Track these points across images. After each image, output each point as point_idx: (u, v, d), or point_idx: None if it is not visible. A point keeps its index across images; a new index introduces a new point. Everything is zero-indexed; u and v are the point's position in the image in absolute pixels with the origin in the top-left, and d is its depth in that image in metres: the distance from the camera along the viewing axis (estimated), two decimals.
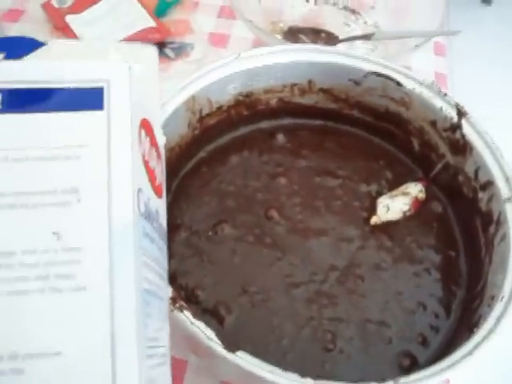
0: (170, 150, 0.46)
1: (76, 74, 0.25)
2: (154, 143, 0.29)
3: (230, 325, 0.42)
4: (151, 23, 0.71)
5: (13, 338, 0.22)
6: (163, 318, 0.29)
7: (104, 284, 0.22)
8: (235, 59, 0.48)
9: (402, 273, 0.45)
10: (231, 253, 0.45)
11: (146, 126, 0.27)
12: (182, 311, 0.35)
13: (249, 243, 0.46)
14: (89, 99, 0.25)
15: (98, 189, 0.24)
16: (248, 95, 0.51)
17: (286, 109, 0.53)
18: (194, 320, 0.35)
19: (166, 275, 0.31)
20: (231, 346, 0.34)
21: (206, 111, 0.49)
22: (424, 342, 0.42)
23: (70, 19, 0.71)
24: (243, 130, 0.53)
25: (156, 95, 0.31)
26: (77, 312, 0.22)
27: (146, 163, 0.27)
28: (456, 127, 0.46)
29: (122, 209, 0.24)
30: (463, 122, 0.46)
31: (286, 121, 0.54)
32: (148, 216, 0.26)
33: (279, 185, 0.50)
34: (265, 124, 0.54)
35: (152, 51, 0.31)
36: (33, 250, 0.22)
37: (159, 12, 0.74)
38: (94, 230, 0.23)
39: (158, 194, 0.29)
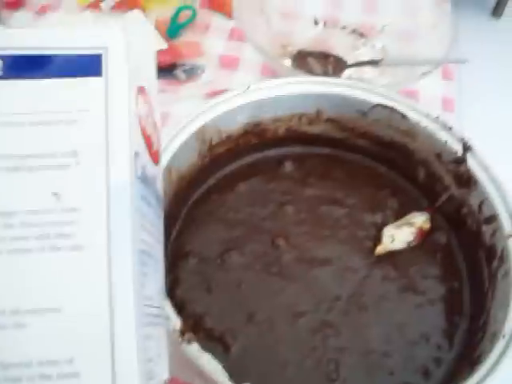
0: (180, 178, 0.47)
1: (75, 42, 0.26)
2: (151, 111, 0.30)
3: (235, 352, 0.43)
4: (163, 45, 0.72)
5: (15, 294, 0.23)
6: (159, 279, 0.30)
7: (101, 243, 0.23)
8: (244, 91, 0.49)
9: (405, 303, 0.46)
10: (238, 281, 0.46)
11: (142, 93, 0.28)
12: (190, 343, 0.36)
13: (256, 271, 0.47)
14: (87, 66, 0.26)
15: (96, 152, 0.25)
16: (256, 125, 0.52)
17: (294, 137, 0.54)
18: (201, 353, 0.36)
19: (162, 239, 0.32)
20: (237, 379, 0.35)
21: (215, 141, 0.50)
22: (426, 374, 0.43)
23: None
24: (251, 158, 0.54)
25: (152, 66, 0.32)
26: (75, 270, 0.23)
27: (142, 129, 0.28)
28: (461, 161, 0.47)
29: (120, 171, 0.24)
30: (468, 155, 0.47)
31: (294, 149, 0.55)
32: (145, 180, 0.27)
33: (286, 213, 0.51)
34: (273, 152, 0.55)
35: (143, 19, 0.31)
36: (33, 210, 0.23)
37: (171, 34, 0.75)
38: (92, 192, 0.24)
39: (155, 160, 0.30)
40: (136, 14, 0.32)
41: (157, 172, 0.31)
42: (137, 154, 0.26)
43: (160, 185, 0.32)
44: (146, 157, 0.28)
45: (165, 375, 0.30)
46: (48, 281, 0.23)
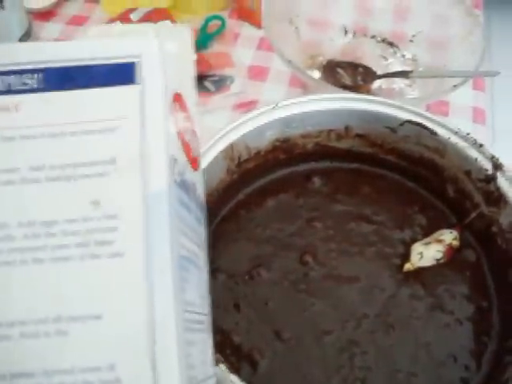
0: (208, 195, 0.47)
1: (110, 51, 0.27)
2: (188, 118, 0.30)
3: (262, 369, 0.43)
4: (193, 56, 0.73)
5: (56, 302, 0.23)
6: (203, 286, 0.30)
7: (140, 249, 0.24)
8: (272, 108, 0.49)
9: (433, 322, 0.46)
10: (266, 297, 0.47)
11: (179, 100, 0.28)
12: (217, 365, 0.36)
13: (283, 288, 0.47)
14: (123, 74, 0.26)
15: (133, 159, 0.25)
16: (285, 140, 0.52)
17: (322, 152, 0.54)
18: (228, 374, 0.36)
19: (204, 246, 0.32)
20: None
21: (244, 157, 0.50)
22: None
23: None
24: (280, 173, 0.54)
25: (190, 73, 0.32)
26: (115, 277, 0.23)
27: (180, 135, 0.28)
28: (491, 179, 0.47)
29: (157, 177, 0.25)
30: (498, 174, 0.46)
31: (322, 164, 0.55)
32: (183, 185, 0.27)
33: (314, 229, 0.51)
34: (301, 168, 0.55)
35: (185, 30, 0.32)
36: (73, 218, 0.24)
37: (201, 44, 0.76)
38: (130, 198, 0.24)
39: (194, 166, 0.30)
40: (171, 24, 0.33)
41: (197, 178, 0.31)
42: (174, 160, 0.26)
43: (201, 191, 0.33)
44: (184, 163, 0.28)
45: (209, 382, 0.30)
46: (89, 288, 0.23)
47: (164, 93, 0.26)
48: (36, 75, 0.26)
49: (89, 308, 0.23)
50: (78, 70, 0.26)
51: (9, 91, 0.26)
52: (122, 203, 0.24)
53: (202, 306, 0.29)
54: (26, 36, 0.61)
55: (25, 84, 0.26)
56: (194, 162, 0.30)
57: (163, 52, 0.27)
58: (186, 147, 0.29)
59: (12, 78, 0.26)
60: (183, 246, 0.26)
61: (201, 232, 0.32)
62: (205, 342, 0.29)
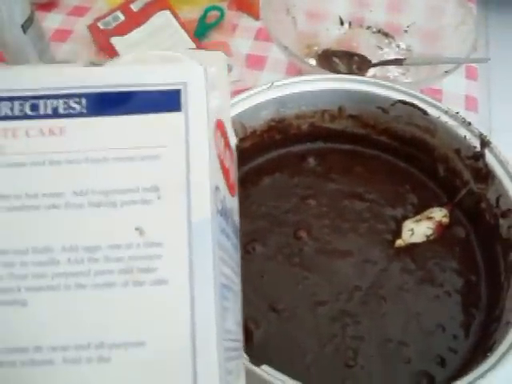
0: None
1: (154, 78, 0.27)
2: (227, 144, 0.30)
3: (257, 339, 0.45)
4: (191, 45, 0.74)
5: (99, 328, 0.23)
6: (238, 312, 0.30)
7: (184, 278, 0.23)
8: (268, 88, 0.50)
9: (423, 295, 0.47)
10: (261, 271, 0.48)
11: (220, 126, 0.28)
12: None
13: (278, 262, 0.49)
14: (167, 101, 0.26)
15: (177, 187, 0.25)
16: (280, 121, 0.54)
17: (317, 133, 0.56)
18: None
19: (239, 271, 0.32)
20: (256, 361, 0.37)
21: (240, 136, 0.51)
22: (442, 363, 0.44)
23: (115, 41, 0.74)
24: (275, 153, 0.56)
25: (227, 97, 0.32)
26: (158, 304, 0.23)
27: (221, 163, 0.28)
28: (479, 156, 0.48)
29: (201, 206, 0.24)
30: (486, 151, 0.48)
31: (317, 145, 0.57)
32: (224, 213, 0.27)
33: (309, 206, 0.52)
34: (296, 148, 0.56)
35: (220, 55, 0.32)
36: (117, 244, 0.24)
37: (199, 34, 0.77)
38: (174, 226, 0.24)
39: (232, 192, 0.31)
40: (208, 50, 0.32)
41: (234, 204, 0.31)
42: (217, 189, 0.26)
43: (237, 216, 0.33)
44: (224, 190, 0.28)
45: None
46: (132, 315, 0.23)
47: (208, 121, 0.26)
48: (82, 100, 0.26)
49: (132, 335, 0.23)
50: (123, 95, 0.26)
51: (55, 115, 0.26)
52: (166, 231, 0.24)
53: (237, 333, 0.29)
54: (29, 21, 0.62)
55: (71, 108, 0.26)
56: (232, 188, 0.31)
57: (207, 79, 0.27)
58: (226, 174, 0.29)
59: (58, 102, 0.26)
60: (223, 275, 0.26)
61: (237, 258, 0.32)
62: (239, 369, 0.29)
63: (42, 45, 0.67)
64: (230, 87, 0.62)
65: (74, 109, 0.26)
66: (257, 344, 0.44)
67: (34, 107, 0.26)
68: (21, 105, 0.26)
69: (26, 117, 0.26)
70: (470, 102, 0.72)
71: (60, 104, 0.26)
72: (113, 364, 0.23)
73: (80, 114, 0.26)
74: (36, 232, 0.24)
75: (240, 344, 0.30)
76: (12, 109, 0.26)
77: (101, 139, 0.26)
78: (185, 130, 0.26)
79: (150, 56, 0.31)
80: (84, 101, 0.26)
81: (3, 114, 0.26)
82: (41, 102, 0.26)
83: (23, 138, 0.26)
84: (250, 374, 0.36)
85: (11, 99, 0.26)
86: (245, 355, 0.37)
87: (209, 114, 0.26)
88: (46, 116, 0.26)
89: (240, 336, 0.31)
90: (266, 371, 0.36)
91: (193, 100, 0.26)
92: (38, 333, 0.23)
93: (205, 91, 0.27)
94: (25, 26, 0.62)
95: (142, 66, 0.29)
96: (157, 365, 0.23)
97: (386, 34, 0.79)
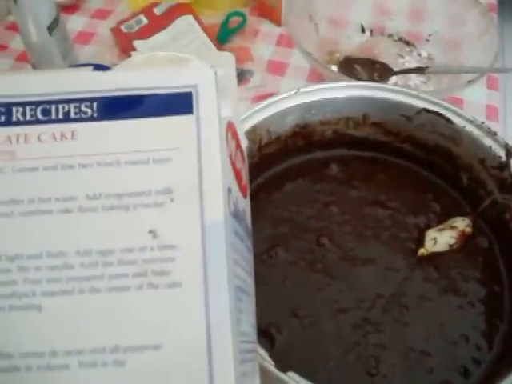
0: None
1: (165, 81, 0.27)
2: (238, 145, 0.30)
3: (279, 345, 0.44)
4: (213, 50, 0.75)
5: (114, 331, 0.23)
6: (252, 314, 0.30)
7: (198, 280, 0.23)
8: (294, 94, 0.50)
9: (446, 304, 0.47)
10: (283, 276, 0.48)
11: (231, 128, 0.29)
12: None
13: (300, 268, 0.49)
14: (179, 104, 0.26)
15: (190, 189, 0.25)
16: (305, 127, 0.54)
17: (340, 140, 0.56)
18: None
19: (253, 273, 0.32)
20: (283, 367, 0.37)
21: (265, 141, 0.52)
22: (465, 374, 0.44)
23: (138, 44, 0.75)
24: (299, 159, 0.56)
25: (236, 99, 0.32)
26: (173, 307, 0.23)
27: (233, 164, 0.28)
28: (504, 166, 0.48)
29: (214, 208, 0.24)
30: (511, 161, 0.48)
31: (340, 152, 0.57)
32: (237, 215, 0.27)
33: (331, 213, 0.52)
34: (319, 154, 0.56)
35: (229, 56, 0.32)
36: (130, 248, 0.24)
37: (221, 39, 0.78)
38: (187, 229, 0.24)
39: (244, 194, 0.31)
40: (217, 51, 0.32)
41: (246, 205, 0.31)
42: (229, 190, 0.26)
43: (249, 218, 0.33)
44: (236, 192, 0.28)
45: None
46: (147, 318, 0.23)
47: (219, 122, 0.26)
48: (93, 104, 0.26)
49: (147, 338, 0.23)
50: (134, 99, 0.26)
51: (67, 119, 0.26)
52: (180, 233, 0.24)
53: (252, 335, 0.29)
54: (55, 23, 0.62)
55: (82, 112, 0.26)
56: (244, 190, 0.31)
57: (218, 82, 0.27)
58: (238, 176, 0.29)
59: (70, 107, 0.26)
60: (237, 277, 0.26)
61: (250, 260, 0.32)
62: (254, 371, 0.29)
63: (67, 46, 0.67)
64: (245, 93, 0.62)
65: (85, 113, 0.26)
66: (278, 350, 0.44)
67: (46, 112, 0.26)
68: (32, 110, 0.26)
69: (37, 122, 0.26)
70: (491, 112, 0.72)
71: (71, 108, 0.26)
72: (128, 367, 0.23)
73: (91, 118, 0.26)
74: (50, 236, 0.24)
75: (254, 346, 0.30)
76: (24, 114, 0.26)
77: (113, 143, 0.26)
78: (196, 133, 0.26)
79: (160, 57, 0.31)
80: (95, 105, 0.26)
81: (15, 119, 0.26)
82: (52, 107, 0.26)
83: (35, 142, 0.26)
84: (276, 380, 0.36)
85: (23, 104, 0.26)
86: (270, 360, 0.37)
87: (220, 116, 0.26)
88: (58, 120, 0.26)
89: (254, 338, 0.30)
90: (292, 378, 0.36)
91: (204, 102, 0.26)
92: (54, 337, 0.23)
93: (215, 93, 0.27)
94: (50, 28, 0.63)
95: (152, 68, 0.29)
96: (172, 368, 0.23)
97: (408, 43, 0.79)
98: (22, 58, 0.75)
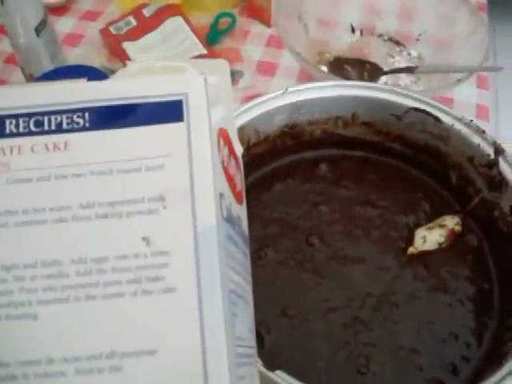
0: None
1: (155, 90, 0.27)
2: (232, 152, 0.30)
3: (269, 344, 0.44)
4: (203, 51, 0.75)
5: (110, 338, 0.23)
6: (250, 319, 0.30)
7: (192, 285, 0.24)
8: (282, 93, 0.50)
9: (435, 302, 0.47)
10: (273, 276, 0.48)
11: (223, 135, 0.29)
12: None
13: (290, 268, 0.48)
14: (169, 112, 0.27)
15: (182, 195, 0.25)
16: (293, 127, 0.54)
17: (330, 140, 0.56)
18: None
19: (250, 279, 0.32)
20: (271, 365, 0.37)
21: (253, 141, 0.52)
22: (454, 371, 0.44)
23: (127, 45, 0.75)
24: (288, 159, 0.56)
25: (230, 106, 0.32)
26: (167, 312, 0.24)
27: (225, 170, 0.28)
28: (493, 164, 0.48)
29: (206, 213, 0.25)
30: (500, 159, 0.48)
31: (329, 151, 0.57)
32: (230, 220, 0.28)
33: (321, 213, 0.52)
34: (308, 154, 0.56)
35: (223, 64, 0.32)
36: (124, 255, 0.24)
37: (211, 40, 0.78)
38: (180, 235, 0.24)
39: (239, 200, 0.31)
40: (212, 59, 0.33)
41: (241, 212, 0.32)
42: (221, 196, 0.26)
43: (245, 224, 0.33)
44: (230, 197, 0.28)
45: None
46: (142, 324, 0.23)
47: (209, 130, 0.26)
48: (85, 114, 0.27)
49: (143, 343, 0.23)
50: (126, 108, 0.27)
51: (59, 130, 0.26)
52: (173, 240, 0.24)
53: (250, 340, 0.29)
54: (42, 24, 0.62)
55: (75, 123, 0.27)
56: (238, 196, 0.31)
57: (208, 89, 0.27)
58: (231, 182, 0.29)
59: (62, 117, 0.27)
60: (232, 281, 0.26)
61: (247, 266, 0.32)
62: (252, 375, 0.29)
63: (55, 48, 0.67)
64: (234, 94, 0.62)
65: (77, 123, 0.27)
66: (268, 349, 0.44)
67: (39, 123, 0.27)
68: (25, 122, 0.27)
69: (30, 133, 0.26)
70: (481, 111, 0.72)
71: (64, 119, 0.27)
72: (125, 373, 0.23)
73: (84, 128, 0.27)
74: (45, 246, 0.25)
75: (253, 350, 0.30)
76: (17, 126, 0.27)
77: (105, 152, 0.26)
78: (187, 140, 0.26)
79: (155, 65, 0.32)
80: (87, 115, 0.27)
81: (8, 131, 0.26)
82: (45, 118, 0.27)
83: (29, 153, 0.26)
84: (264, 379, 0.36)
85: (16, 117, 0.27)
86: (258, 359, 0.37)
87: (210, 123, 0.27)
88: (51, 131, 0.27)
89: (253, 343, 0.31)
90: (280, 376, 0.36)
91: (194, 110, 0.27)
92: (50, 345, 0.23)
93: (206, 101, 0.27)
94: (38, 29, 0.62)
95: (144, 77, 0.29)
96: (168, 372, 0.23)
97: (398, 42, 0.79)
98: (10, 61, 0.75)
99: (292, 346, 0.45)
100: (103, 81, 0.29)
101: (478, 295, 0.48)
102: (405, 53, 0.78)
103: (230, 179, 0.29)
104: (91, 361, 0.23)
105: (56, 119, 0.27)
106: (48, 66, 0.65)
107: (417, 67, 0.71)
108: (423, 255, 0.50)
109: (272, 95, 0.50)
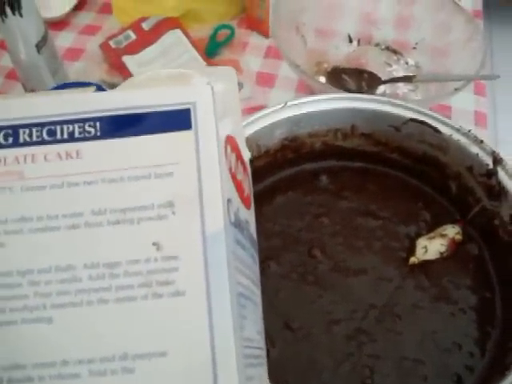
0: None
1: (164, 99, 0.28)
2: (239, 158, 0.31)
3: (273, 357, 0.45)
4: (202, 63, 0.75)
5: (122, 340, 0.24)
6: (258, 321, 0.31)
7: (201, 288, 0.25)
8: (282, 107, 0.51)
9: (438, 312, 0.47)
10: (276, 289, 0.48)
11: (231, 141, 0.30)
12: None
13: (293, 280, 0.49)
14: (178, 121, 0.27)
15: (190, 201, 0.26)
16: (293, 139, 0.54)
17: (329, 152, 0.56)
18: None
19: (258, 282, 0.33)
20: (276, 378, 0.37)
21: (254, 154, 0.52)
22: (459, 381, 0.44)
23: (126, 59, 0.75)
24: (288, 172, 0.56)
25: (238, 113, 0.33)
26: (178, 315, 0.24)
27: (233, 176, 0.29)
28: (492, 174, 0.49)
29: (214, 218, 0.26)
30: (499, 168, 0.48)
31: (329, 163, 0.57)
32: (238, 225, 0.28)
33: (322, 224, 0.53)
34: (309, 166, 0.57)
35: (230, 71, 0.33)
36: (135, 259, 0.25)
37: (210, 52, 0.78)
38: (189, 239, 0.25)
39: (247, 205, 0.32)
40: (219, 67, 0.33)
41: (249, 216, 0.32)
42: (229, 201, 0.27)
43: (253, 229, 0.33)
44: (237, 202, 0.29)
45: None
46: (153, 327, 0.24)
47: (217, 137, 0.27)
48: (97, 123, 0.28)
49: (154, 345, 0.24)
50: (136, 117, 0.28)
51: (71, 139, 0.27)
52: (182, 244, 0.25)
53: (259, 341, 0.30)
54: (43, 41, 0.63)
55: (86, 132, 0.27)
56: (246, 201, 0.31)
57: (215, 97, 0.28)
58: (239, 187, 0.30)
59: (74, 127, 0.27)
60: (240, 284, 0.27)
61: (255, 269, 0.32)
62: (261, 376, 0.30)
63: (56, 64, 0.68)
64: (240, 103, 0.63)
65: (89, 132, 0.27)
66: (272, 362, 0.44)
67: (51, 133, 0.27)
68: (38, 131, 0.27)
69: (43, 142, 0.27)
70: (479, 118, 0.73)
71: (76, 128, 0.28)
72: (137, 374, 0.24)
73: (95, 137, 0.27)
74: (58, 251, 0.25)
75: (262, 352, 0.31)
76: (30, 135, 0.27)
77: (116, 160, 0.27)
78: (195, 147, 0.27)
79: (162, 75, 0.32)
80: (98, 124, 0.28)
81: (22, 140, 0.27)
82: (57, 128, 0.27)
83: (42, 162, 0.27)
84: None
85: (29, 126, 0.28)
86: None
87: (218, 130, 0.27)
88: (63, 140, 0.27)
89: (261, 344, 0.31)
90: None
91: (202, 118, 0.27)
92: (64, 347, 0.24)
93: (213, 109, 0.28)
94: (39, 46, 0.63)
95: (152, 87, 0.30)
96: (179, 373, 0.24)
97: (395, 51, 0.79)
98: (11, 76, 0.75)
99: (296, 358, 0.45)
100: (113, 91, 0.31)
101: (480, 304, 0.48)
102: (402, 61, 0.78)
103: (238, 185, 0.30)
104: (104, 363, 0.24)
105: (68, 128, 0.27)
106: (49, 82, 0.66)
107: (415, 76, 0.71)
108: (425, 265, 0.50)
109: (271, 109, 0.51)
